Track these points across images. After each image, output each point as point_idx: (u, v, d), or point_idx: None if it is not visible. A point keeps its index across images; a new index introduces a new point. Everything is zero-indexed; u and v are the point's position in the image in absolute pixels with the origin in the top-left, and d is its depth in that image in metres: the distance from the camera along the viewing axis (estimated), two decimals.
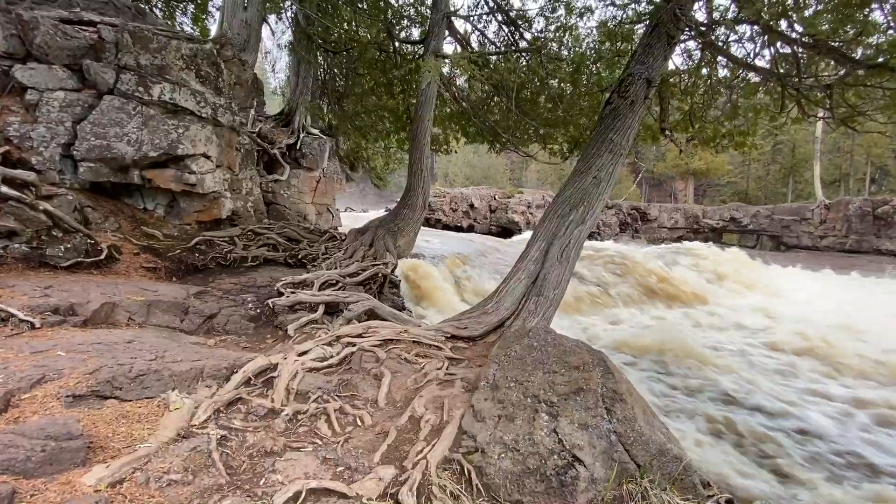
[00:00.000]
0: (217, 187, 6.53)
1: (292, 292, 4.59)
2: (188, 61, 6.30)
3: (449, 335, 4.18)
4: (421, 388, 3.05)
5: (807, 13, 4.55)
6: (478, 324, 4.34)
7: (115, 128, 5.49)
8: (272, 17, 11.23)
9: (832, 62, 5.11)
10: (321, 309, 4.37)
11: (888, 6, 4.40)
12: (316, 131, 11.68)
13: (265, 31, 12.17)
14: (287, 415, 2.66)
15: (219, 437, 2.35)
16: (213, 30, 10.23)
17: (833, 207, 25.49)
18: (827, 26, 4.43)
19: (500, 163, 49.90)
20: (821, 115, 6.67)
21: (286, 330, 4.06)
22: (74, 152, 5.30)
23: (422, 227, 9.19)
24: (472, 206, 30.82)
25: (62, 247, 4.64)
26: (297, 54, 10.85)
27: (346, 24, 9.46)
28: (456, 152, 11.44)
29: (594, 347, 2.59)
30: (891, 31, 4.47)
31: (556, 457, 1.99)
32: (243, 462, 2.23)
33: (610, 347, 6.70)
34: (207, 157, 6.37)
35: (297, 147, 10.96)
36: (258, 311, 4.70)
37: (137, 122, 5.64)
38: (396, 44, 8.97)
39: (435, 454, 2.24)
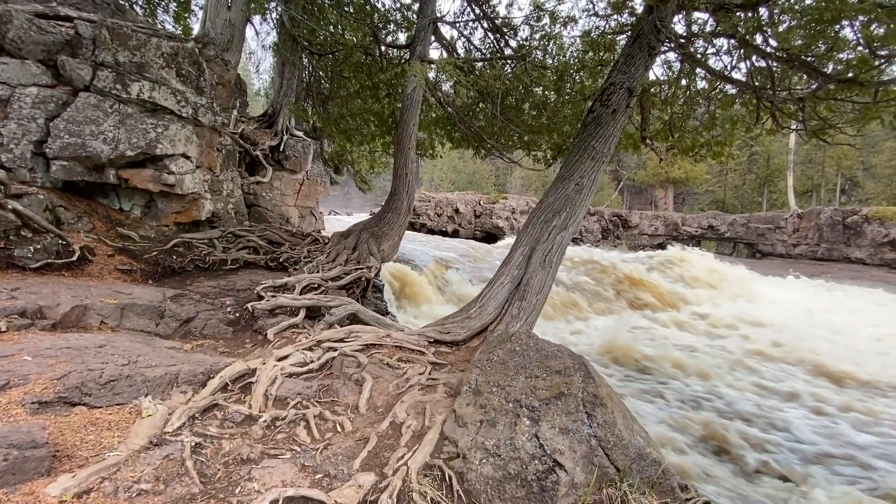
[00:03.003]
0: (197, 188, 6.40)
1: (273, 296, 4.51)
2: (169, 60, 6.18)
3: (432, 340, 4.16)
4: (403, 393, 3.02)
5: (781, 28, 4.70)
6: (461, 328, 4.34)
7: (91, 126, 5.34)
8: (256, 18, 11.10)
9: (805, 76, 5.28)
10: (302, 313, 4.30)
11: (857, 23, 4.59)
12: (300, 133, 11.57)
13: (249, 31, 12.03)
14: (265, 421, 2.61)
15: (193, 444, 2.29)
16: (196, 29, 10.06)
17: (805, 217, 26.38)
18: (800, 41, 4.59)
19: (485, 168, 50.19)
20: (794, 127, 6.88)
21: (266, 334, 3.98)
22: (47, 150, 5.14)
23: (406, 232, 9.17)
24: (457, 210, 30.89)
25: (31, 247, 4.47)
26: (282, 56, 10.76)
27: (331, 26, 9.41)
28: (441, 157, 11.45)
29: (575, 352, 2.60)
30: (860, 48, 4.66)
31: (537, 462, 1.99)
32: (218, 470, 2.17)
33: (588, 352, 6.77)
34: (187, 158, 6.24)
35: (281, 149, 10.84)
36: (237, 314, 4.60)
37: (114, 120, 5.50)
38: (382, 48, 8.96)
39: (416, 460, 2.22)
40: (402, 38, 9.74)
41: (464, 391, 2.63)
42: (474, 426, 2.32)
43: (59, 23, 5.44)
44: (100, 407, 2.51)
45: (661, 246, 23.16)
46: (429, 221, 30.62)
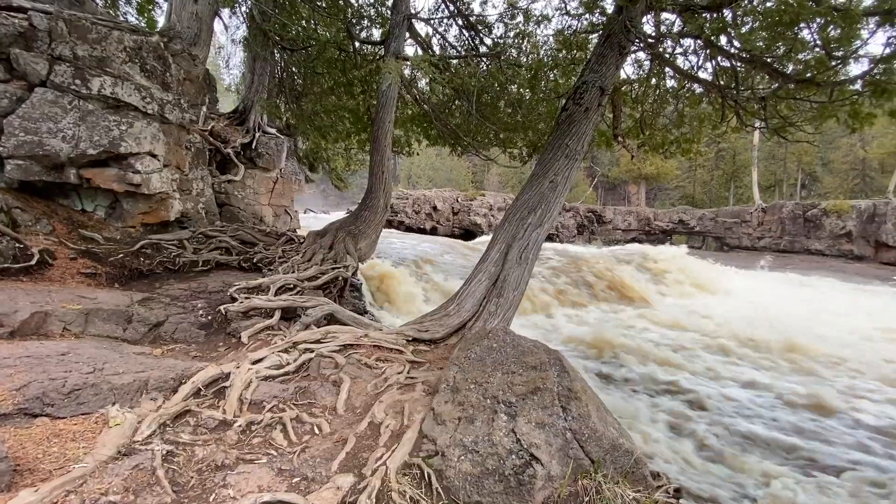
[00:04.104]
0: (164, 188, 6.19)
1: (246, 297, 4.42)
2: (132, 54, 5.94)
3: (410, 338, 4.16)
4: (381, 393, 3.01)
5: (744, 30, 4.87)
6: (439, 326, 4.35)
7: (49, 123, 5.10)
8: (225, 11, 10.79)
9: (766, 76, 5.49)
10: (277, 314, 4.23)
11: (815, 26, 4.80)
12: (273, 130, 11.32)
13: (218, 25, 11.69)
14: (240, 426, 2.56)
15: (164, 452, 2.23)
16: (161, 22, 9.69)
17: (769, 210, 27.48)
18: (761, 43, 4.77)
19: (463, 165, 50.31)
20: (757, 125, 7.16)
21: (240, 337, 3.90)
22: (0, 149, 4.88)
23: (384, 230, 9.09)
24: (434, 208, 30.87)
25: None
26: (253, 51, 10.48)
27: (303, 21, 9.22)
28: (418, 154, 11.40)
29: (550, 347, 2.65)
30: (817, 49, 4.87)
31: (514, 456, 2.02)
32: (192, 478, 2.12)
33: (562, 345, 6.90)
34: (154, 156, 6.03)
35: (253, 146, 10.58)
36: (210, 318, 4.48)
37: (74, 117, 5.26)
38: (357, 44, 8.85)
39: (395, 460, 2.22)
40: (376, 34, 9.64)
41: (442, 389, 2.64)
42: (453, 424, 2.34)
43: (12, 14, 5.16)
44: (63, 417, 2.41)
45: (635, 240, 23.74)
46: (407, 219, 30.51)
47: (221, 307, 4.34)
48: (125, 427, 2.33)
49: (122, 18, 9.81)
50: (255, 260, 6.05)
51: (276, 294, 4.68)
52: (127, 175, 5.72)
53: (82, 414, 2.48)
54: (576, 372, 2.48)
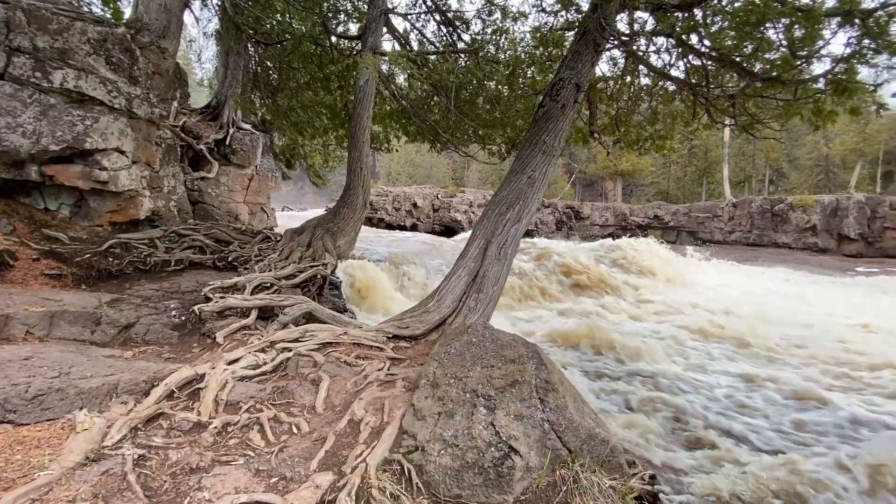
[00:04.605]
0: (133, 185, 5.99)
1: (221, 297, 4.32)
2: (96, 46, 5.71)
3: (391, 335, 4.14)
4: (361, 390, 2.99)
5: (713, 29, 5.00)
6: (420, 322, 4.34)
7: (7, 117, 4.86)
8: (196, 3, 10.48)
9: (735, 75, 5.66)
10: (254, 314, 4.15)
11: (781, 26, 4.96)
12: (247, 126, 11.07)
13: (188, 17, 11.35)
14: (215, 427, 2.50)
15: (136, 457, 2.17)
16: (128, 13, 9.34)
17: (739, 205, 28.40)
18: (730, 42, 4.91)
19: (443, 162, 50.25)
20: (727, 122, 7.38)
21: (215, 338, 3.81)
22: None
23: (364, 227, 9.01)
24: (415, 205, 30.79)
25: None
26: (225, 44, 10.22)
27: (278, 14, 9.02)
28: (397, 151, 11.33)
29: (529, 340, 2.68)
30: (783, 49, 5.05)
31: (493, 449, 2.04)
32: (165, 482, 2.07)
33: (541, 339, 7.00)
34: (121, 152, 5.83)
35: (227, 143, 10.33)
36: (183, 318, 4.37)
37: (34, 111, 5.03)
38: (333, 38, 8.72)
39: (375, 456, 2.21)
40: (353, 28, 9.52)
41: (422, 385, 2.64)
42: (433, 418, 2.34)
43: None
44: (27, 424, 2.32)
45: (612, 235, 24.19)
46: (387, 216, 30.34)
47: (195, 307, 4.24)
48: (93, 432, 2.25)
49: (85, 9, 9.40)
50: (230, 259, 5.91)
51: (252, 293, 4.59)
52: (93, 172, 5.51)
53: (47, 420, 2.39)
54: (553, 364, 2.51)
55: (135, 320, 4.14)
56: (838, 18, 4.57)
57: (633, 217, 31.52)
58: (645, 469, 2.48)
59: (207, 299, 4.42)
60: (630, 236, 16.54)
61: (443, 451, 2.11)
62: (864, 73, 4.93)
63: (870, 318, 9.24)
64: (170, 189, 7.28)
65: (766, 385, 5.76)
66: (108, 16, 9.59)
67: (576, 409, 2.22)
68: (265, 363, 3.19)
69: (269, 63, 10.69)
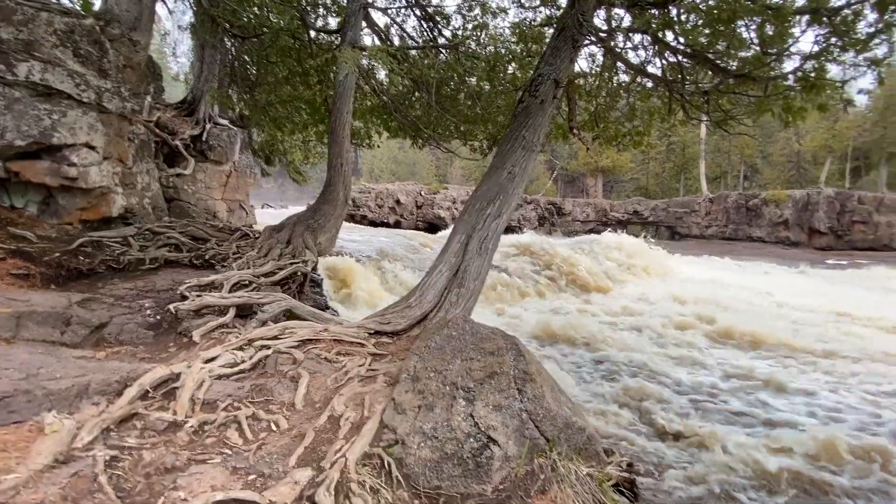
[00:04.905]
0: (105, 182, 5.82)
1: (198, 295, 4.23)
2: (63, 38, 5.51)
3: (372, 331, 4.12)
4: (342, 386, 2.98)
5: (688, 26, 5.10)
6: (401, 318, 4.33)
7: None
8: None
9: (709, 71, 5.78)
10: (232, 312, 4.08)
11: (753, 24, 5.09)
12: (225, 122, 10.84)
13: (162, 9, 11.05)
14: (192, 426, 2.46)
15: (108, 458, 2.11)
16: (98, 5, 9.03)
17: (716, 201, 29.12)
18: (704, 39, 5.02)
19: (426, 159, 50.15)
20: (702, 118, 7.54)
21: (191, 336, 3.74)
22: None
23: (347, 224, 8.94)
24: (398, 201, 30.68)
25: None
26: (200, 38, 9.97)
27: (255, 8, 8.85)
28: (379, 146, 11.26)
29: (508, 333, 2.71)
30: (755, 47, 5.18)
31: (472, 440, 2.06)
32: (138, 482, 2.03)
33: (524, 333, 7.07)
34: (91, 148, 5.65)
35: (204, 138, 10.10)
36: (158, 317, 4.27)
37: None
38: (312, 33, 8.59)
39: (354, 451, 2.21)
40: (332, 23, 9.41)
41: (402, 379, 2.64)
42: (413, 412, 2.35)
43: None
44: None
45: (593, 231, 24.54)
46: (369, 213, 30.16)
47: (171, 306, 4.14)
48: (63, 434, 2.19)
49: (52, 0, 9.05)
50: (207, 256, 5.80)
51: (230, 291, 4.51)
52: (61, 168, 5.33)
53: (14, 423, 2.31)
54: (531, 355, 2.54)
55: (107, 320, 4.03)
56: (807, 17, 4.72)
57: (613, 213, 32.02)
58: (622, 457, 2.53)
59: (184, 298, 4.32)
60: (611, 231, 16.81)
61: (422, 444, 2.12)
62: (832, 71, 5.11)
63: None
64: (144, 186, 7.10)
65: (742, 372, 5.95)
66: (77, 7, 9.27)
67: (553, 398, 2.26)
68: (243, 361, 3.14)
69: (246, 57, 10.48)
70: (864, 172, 33.35)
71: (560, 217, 32.29)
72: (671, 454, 3.71)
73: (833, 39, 4.72)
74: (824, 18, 4.53)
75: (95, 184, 5.65)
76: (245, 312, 4.28)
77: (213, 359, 3.14)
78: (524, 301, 9.68)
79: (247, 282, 4.81)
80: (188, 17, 11.80)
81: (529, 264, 11.27)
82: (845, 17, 4.53)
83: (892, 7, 4.16)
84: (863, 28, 4.55)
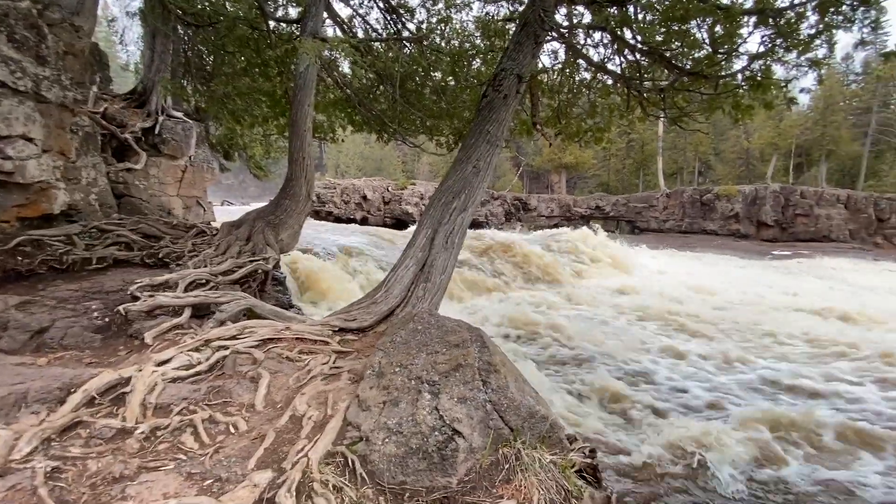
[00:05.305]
0: (45, 176, 5.42)
1: (150, 295, 4.02)
2: None
3: (337, 328, 4.04)
4: (304, 385, 2.90)
5: (645, 24, 5.26)
6: (367, 314, 4.27)
7: None
8: None
9: (665, 69, 5.99)
10: (187, 312, 3.90)
11: (706, 24, 5.31)
12: (179, 114, 10.31)
13: None
14: (142, 433, 2.34)
15: (48, 469, 1.98)
16: None
17: (672, 196, 30.35)
18: (659, 37, 5.18)
19: (393, 154, 49.69)
20: (659, 115, 7.81)
21: (143, 339, 3.55)
22: None
23: (314, 221, 8.72)
24: (364, 197, 30.27)
25: None
26: (151, 25, 9.44)
27: None
28: (343, 141, 11.01)
29: (473, 325, 2.72)
30: (706, 47, 5.40)
31: (437, 433, 2.05)
32: (83, 494, 1.91)
33: (491, 326, 7.16)
34: (29, 140, 5.24)
35: (156, 131, 9.57)
36: (107, 320, 4.03)
37: None
38: (271, 22, 8.29)
39: (317, 450, 2.16)
40: (292, 12, 9.12)
41: (367, 375, 2.60)
42: (377, 408, 2.32)
43: None
44: None
45: (557, 226, 25.08)
46: (335, 209, 29.63)
47: (121, 307, 3.92)
48: None
49: None
50: (160, 255, 5.52)
51: (185, 290, 4.31)
52: None
53: None
54: (496, 346, 2.56)
55: (49, 324, 3.78)
56: (754, 18, 4.95)
57: (576, 208, 32.81)
58: (585, 443, 2.59)
59: (135, 298, 4.10)
60: (574, 226, 17.23)
61: (387, 440, 2.09)
62: (778, 71, 5.40)
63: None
64: (89, 181, 6.67)
65: (692, 356, 6.23)
66: None
67: (517, 388, 2.28)
68: (199, 363, 3.01)
69: (201, 47, 10.01)
70: (806, 168, 35.59)
71: (526, 212, 32.80)
72: (634, 439, 3.85)
73: (778, 41, 4.98)
74: (770, 20, 4.77)
75: (34, 178, 5.26)
76: (202, 313, 4.10)
77: (166, 361, 3.00)
78: (490, 294, 9.77)
79: (203, 281, 4.61)
80: (137, 2, 11.15)
81: (494, 258, 11.38)
82: (789, 18, 4.79)
83: (832, 9, 4.43)
84: (805, 30, 4.83)
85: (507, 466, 2.04)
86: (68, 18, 6.71)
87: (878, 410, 4.72)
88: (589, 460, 2.57)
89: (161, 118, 9.69)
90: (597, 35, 6.21)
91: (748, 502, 3.29)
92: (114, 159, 8.87)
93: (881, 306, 9.66)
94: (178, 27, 9.43)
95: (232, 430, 2.45)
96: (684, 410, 4.59)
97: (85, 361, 3.48)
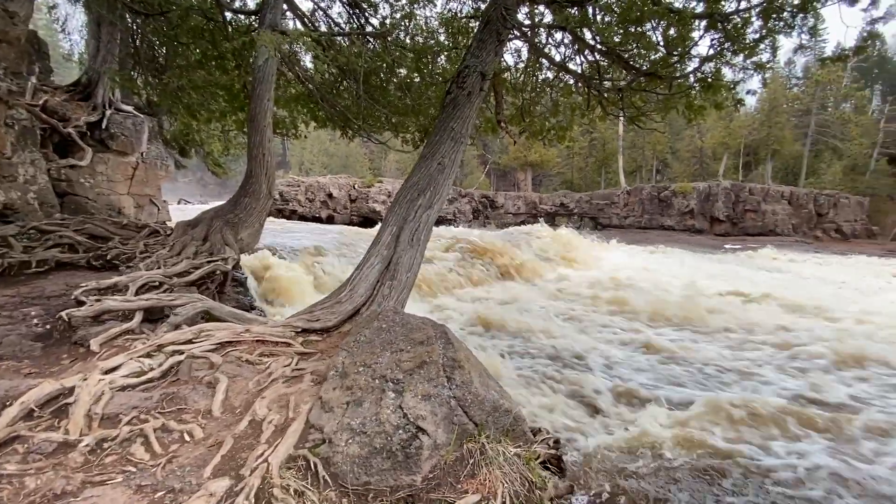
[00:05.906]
0: None
1: (97, 300, 3.79)
2: None
3: (300, 329, 3.94)
4: (264, 388, 2.81)
5: (603, 25, 5.40)
6: (331, 314, 4.19)
7: None
8: None
9: (623, 70, 6.18)
10: (138, 316, 3.70)
11: (659, 27, 5.51)
12: (129, 108, 9.77)
13: None
14: (87, 445, 2.20)
15: None
16: None
17: (632, 193, 31.41)
18: (617, 38, 5.34)
19: (359, 152, 48.94)
20: (619, 114, 8.06)
21: (89, 346, 3.34)
22: None
23: (275, 219, 8.44)
24: (330, 195, 29.69)
25: None
26: (95, 12, 8.89)
27: None
28: (306, 137, 10.74)
29: (438, 322, 2.71)
30: (661, 49, 5.61)
31: (401, 431, 2.03)
32: None
33: (459, 324, 7.19)
34: None
35: (104, 126, 9.04)
36: (48, 327, 3.77)
37: None
38: (227, 13, 7.97)
39: (278, 455, 2.09)
40: (250, 3, 8.82)
41: (330, 376, 2.55)
42: (341, 409, 2.27)
43: None
44: None
45: (524, 223, 25.45)
46: (300, 207, 28.93)
47: (63, 313, 3.68)
48: None
49: None
50: (109, 257, 5.21)
51: (136, 293, 4.09)
52: None
53: None
54: (460, 342, 2.57)
55: None
56: (705, 22, 5.18)
57: (542, 205, 33.42)
58: (548, 434, 2.64)
59: (80, 303, 3.85)
60: (538, 224, 17.57)
61: (350, 441, 2.05)
62: (727, 74, 5.68)
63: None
64: (27, 178, 6.23)
65: (656, 348, 6.48)
66: None
67: (481, 383, 2.29)
68: (151, 369, 2.86)
69: (152, 37, 9.50)
70: (754, 167, 37.71)
71: (493, 210, 33.11)
72: (597, 429, 3.96)
73: (726, 44, 5.24)
74: (718, 24, 5.00)
75: None
76: (155, 317, 3.91)
77: (114, 368, 2.83)
78: (457, 291, 9.81)
79: (157, 283, 4.39)
80: None
81: (462, 256, 11.44)
82: (736, 23, 5.04)
83: (774, 15, 4.69)
84: (751, 34, 5.10)
85: (471, 461, 2.05)
86: (2, 4, 6.23)
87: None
88: (553, 451, 2.62)
89: (109, 112, 9.16)
90: (558, 35, 6.33)
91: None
92: (56, 155, 8.32)
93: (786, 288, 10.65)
94: (126, 15, 8.91)
95: (187, 438, 2.34)
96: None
97: (23, 372, 3.24)
